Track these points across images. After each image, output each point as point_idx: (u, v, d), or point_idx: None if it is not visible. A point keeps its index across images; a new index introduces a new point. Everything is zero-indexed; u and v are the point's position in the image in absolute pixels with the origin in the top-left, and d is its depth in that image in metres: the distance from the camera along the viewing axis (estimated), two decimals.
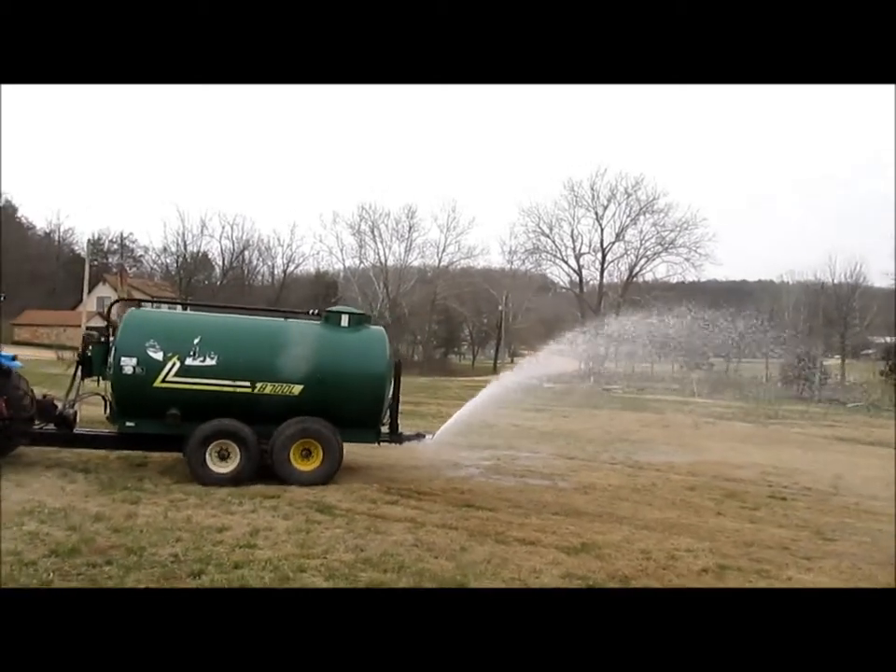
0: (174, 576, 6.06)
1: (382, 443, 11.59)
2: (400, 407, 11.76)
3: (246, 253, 79.21)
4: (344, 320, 11.10)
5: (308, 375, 10.42)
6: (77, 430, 11.02)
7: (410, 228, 74.52)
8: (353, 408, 10.68)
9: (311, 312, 11.85)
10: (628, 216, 63.49)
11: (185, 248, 74.54)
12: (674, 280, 64.69)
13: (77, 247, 77.83)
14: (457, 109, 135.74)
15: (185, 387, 10.13)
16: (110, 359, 10.25)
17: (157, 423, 10.23)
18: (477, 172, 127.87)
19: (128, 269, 75.00)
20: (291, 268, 79.75)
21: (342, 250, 77.06)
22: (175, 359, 10.11)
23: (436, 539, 7.70)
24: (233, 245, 77.73)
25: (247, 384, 10.26)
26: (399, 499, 9.70)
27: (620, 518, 9.35)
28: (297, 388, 10.37)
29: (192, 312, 12.36)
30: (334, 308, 11.66)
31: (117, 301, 11.57)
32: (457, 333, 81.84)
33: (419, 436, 11.96)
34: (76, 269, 61.15)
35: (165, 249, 76.62)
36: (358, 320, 11.29)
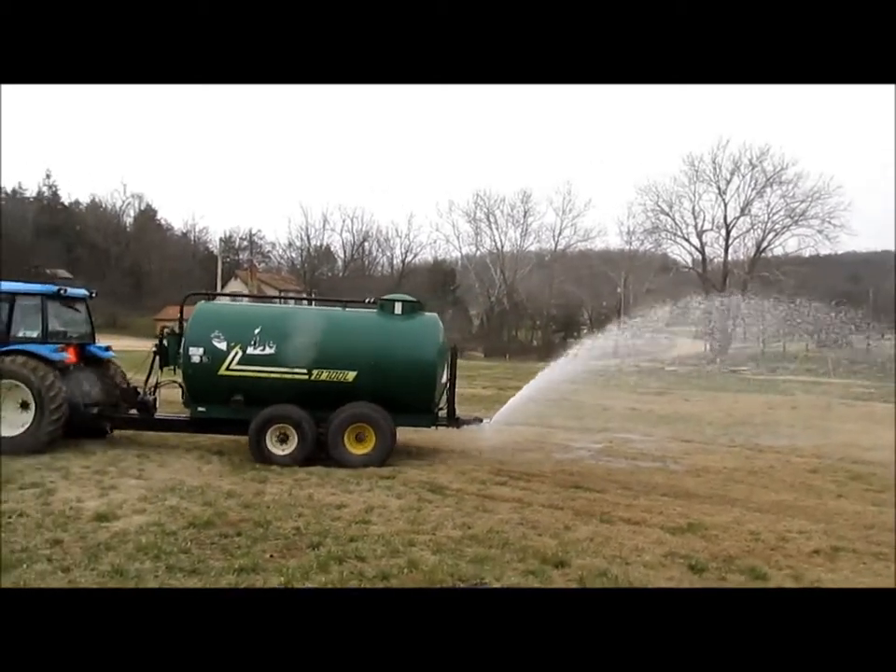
0: (295, 547, 6.61)
1: (439, 427, 11.87)
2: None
3: (366, 244, 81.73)
4: (398, 308, 11.41)
5: (361, 362, 10.85)
6: (157, 415, 11.99)
7: (525, 213, 74.60)
8: (405, 393, 10.95)
9: (367, 301, 12.25)
10: (753, 188, 60.56)
11: (308, 242, 77.76)
12: (807, 254, 61.27)
13: (210, 245, 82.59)
14: (567, 90, 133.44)
15: (247, 375, 10.81)
16: (181, 349, 11.09)
17: (224, 408, 11.00)
18: (592, 151, 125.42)
19: (257, 264, 79.08)
20: (409, 257, 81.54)
21: (458, 238, 78.27)
22: (237, 349, 10.80)
23: (541, 518, 7.92)
24: (354, 237, 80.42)
25: (304, 370, 10.78)
26: (509, 481, 9.96)
27: (731, 500, 9.23)
28: (351, 374, 10.80)
29: (257, 304, 12.93)
30: (388, 296, 11.98)
31: (190, 296, 12.54)
32: (576, 317, 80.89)
33: (477, 420, 12.15)
34: (210, 266, 65.00)
35: (291, 244, 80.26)
36: (412, 308, 11.58)
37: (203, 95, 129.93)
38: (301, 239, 78.34)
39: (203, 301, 11.94)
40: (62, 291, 11.70)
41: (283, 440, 10.72)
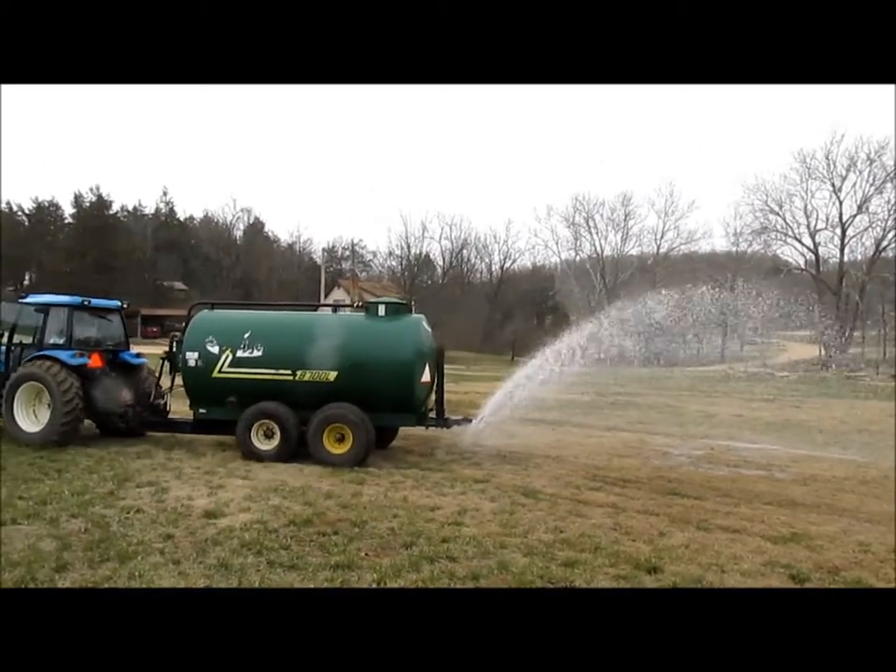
0: (389, 546, 6.78)
1: (429, 427, 12.03)
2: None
3: (465, 251, 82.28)
4: (381, 310, 11.68)
5: (341, 363, 11.16)
6: (169, 418, 12.79)
7: (626, 216, 73.52)
8: (383, 393, 11.15)
9: (356, 304, 12.29)
10: (872, 184, 57.21)
11: (408, 251, 79.05)
12: None
13: (314, 256, 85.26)
14: (668, 87, 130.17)
15: (237, 376, 11.37)
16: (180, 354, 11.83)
17: (221, 409, 11.55)
18: (695, 150, 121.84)
19: (358, 273, 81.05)
20: (508, 264, 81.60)
21: (557, 243, 77.79)
22: (228, 352, 11.41)
23: (635, 524, 7.80)
24: (452, 244, 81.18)
25: (288, 371, 11.22)
26: (603, 486, 9.86)
27: (840, 510, 8.81)
28: (332, 375, 11.15)
29: (252, 311, 13.48)
30: (374, 299, 12.14)
31: (195, 305, 13.22)
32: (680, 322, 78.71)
33: (466, 420, 12.29)
34: (314, 275, 67.14)
35: (391, 253, 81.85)
36: (395, 310, 11.81)
37: (303, 109, 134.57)
38: (401, 248, 79.86)
39: (205, 310, 12.64)
40: (86, 302, 12.70)
41: (269, 436, 11.22)
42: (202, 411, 11.86)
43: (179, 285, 74.88)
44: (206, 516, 7.65)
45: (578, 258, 76.93)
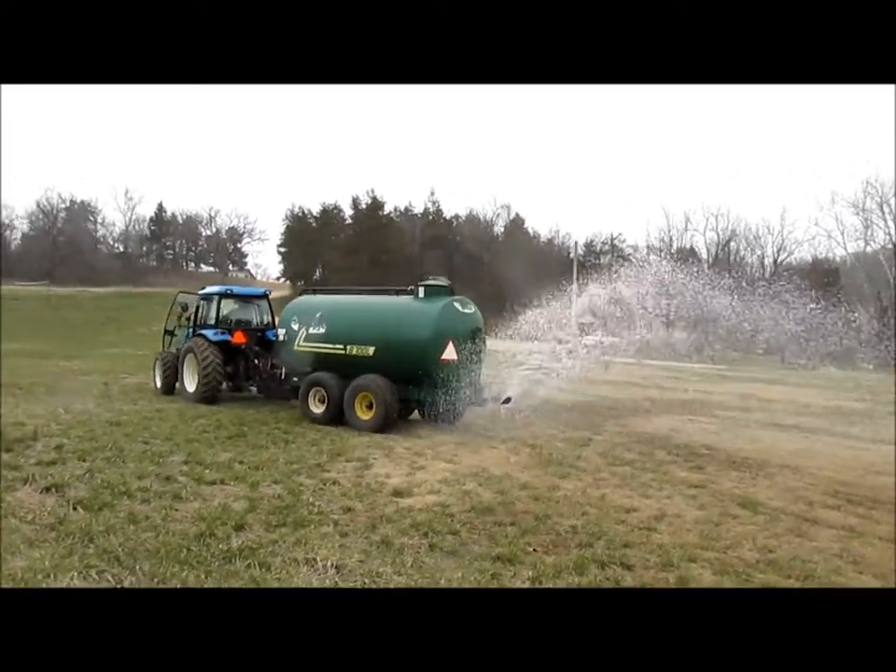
0: (563, 544, 6.32)
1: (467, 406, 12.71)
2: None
3: (732, 244, 76.91)
4: (420, 292, 12.65)
5: (378, 339, 12.43)
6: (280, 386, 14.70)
7: None
8: (407, 368, 12.10)
9: (409, 288, 13.12)
10: None
11: (670, 244, 75.71)
12: None
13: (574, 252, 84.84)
14: None
15: (309, 350, 13.31)
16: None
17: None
18: None
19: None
20: (783, 256, 74.78)
21: (843, 233, 69.72)
22: (304, 329, 13.43)
23: (870, 553, 6.51)
24: (718, 236, 76.32)
25: (341, 346, 12.81)
26: (845, 505, 8.41)
27: None
28: (371, 349, 12.47)
29: (332, 296, 14.73)
30: (422, 282, 13.03)
31: (304, 291, 15.31)
32: None
33: (506, 400, 12.79)
34: (572, 270, 66.72)
35: (650, 247, 78.95)
36: (434, 292, 12.67)
37: (563, 105, 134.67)
38: (662, 241, 76.65)
39: (305, 295, 14.97)
40: (229, 291, 16.05)
41: (322, 401, 12.80)
42: (294, 379, 13.82)
43: (442, 280, 78.80)
44: (394, 494, 7.77)
45: (868, 248, 68.21)
